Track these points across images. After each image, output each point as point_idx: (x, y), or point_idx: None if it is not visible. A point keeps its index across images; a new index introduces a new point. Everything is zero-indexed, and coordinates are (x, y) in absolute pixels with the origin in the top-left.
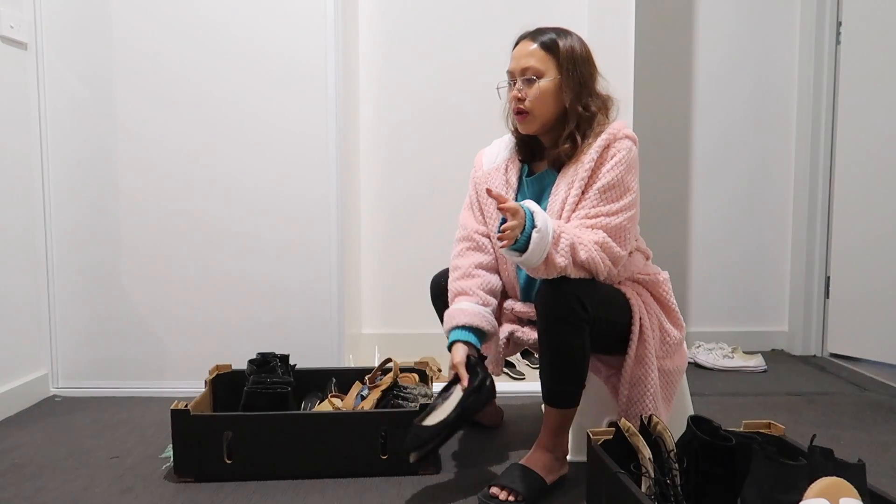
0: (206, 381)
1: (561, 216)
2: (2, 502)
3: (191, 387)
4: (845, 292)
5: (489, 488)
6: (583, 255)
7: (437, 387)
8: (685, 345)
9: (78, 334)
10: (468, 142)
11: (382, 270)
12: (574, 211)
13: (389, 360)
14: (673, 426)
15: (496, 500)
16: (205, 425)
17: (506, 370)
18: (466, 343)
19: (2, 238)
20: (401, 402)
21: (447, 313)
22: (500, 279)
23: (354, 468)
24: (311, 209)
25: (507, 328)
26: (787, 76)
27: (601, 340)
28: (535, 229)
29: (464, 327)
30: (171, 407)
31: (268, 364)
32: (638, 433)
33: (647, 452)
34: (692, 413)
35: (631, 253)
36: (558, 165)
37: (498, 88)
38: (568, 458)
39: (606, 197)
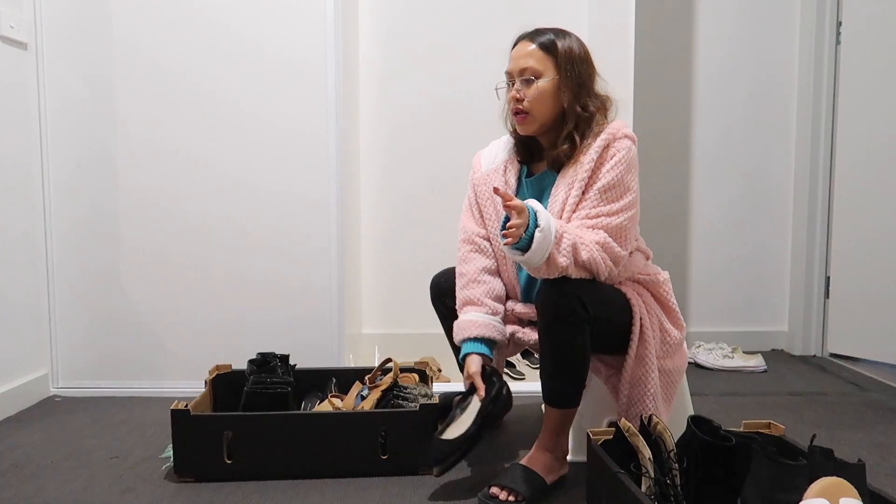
0: (206, 381)
1: (561, 217)
2: (2, 502)
3: (191, 387)
4: (845, 292)
5: (489, 488)
6: (584, 255)
7: (437, 387)
8: (685, 345)
9: (78, 334)
10: (468, 142)
11: (382, 270)
12: (574, 211)
13: (389, 360)
14: (673, 426)
15: (496, 500)
16: (205, 425)
17: (506, 370)
18: (480, 354)
19: (2, 238)
20: (401, 402)
21: (457, 324)
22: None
23: (354, 468)
24: (311, 209)
25: (507, 329)
26: (787, 76)
27: (601, 340)
28: (538, 229)
29: (476, 339)
30: (171, 407)
31: (268, 364)
32: (638, 433)
33: (647, 452)
34: (692, 413)
35: (631, 253)
36: (558, 166)
37: (497, 89)
38: (568, 458)
39: (607, 197)
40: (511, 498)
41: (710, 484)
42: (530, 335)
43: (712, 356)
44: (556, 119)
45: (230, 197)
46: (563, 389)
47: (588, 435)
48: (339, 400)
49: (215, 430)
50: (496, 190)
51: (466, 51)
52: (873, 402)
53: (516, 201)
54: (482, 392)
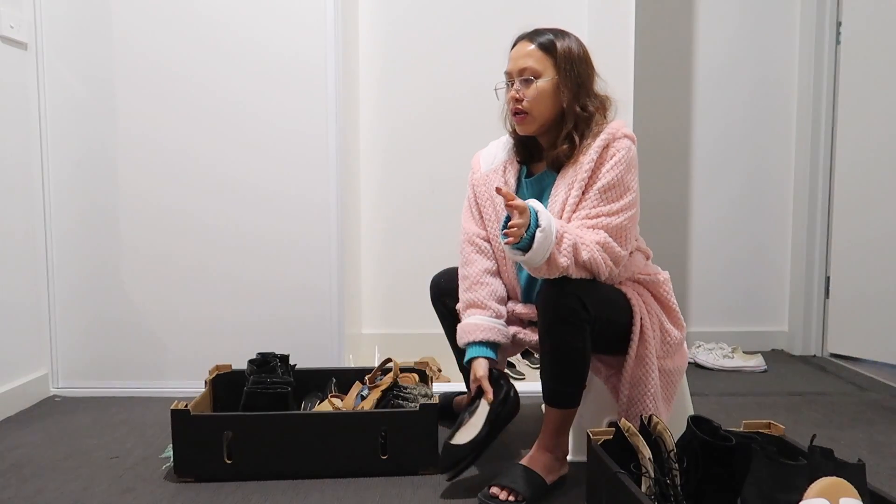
0: (206, 381)
1: (561, 217)
2: (2, 502)
3: (191, 387)
4: (845, 292)
5: (489, 488)
6: (585, 255)
7: (437, 387)
8: (685, 345)
9: (78, 334)
10: (468, 142)
11: (382, 270)
12: (574, 212)
13: (389, 360)
14: (673, 426)
15: (496, 500)
16: (205, 425)
17: (506, 370)
18: (485, 357)
19: (2, 238)
20: (401, 402)
21: (462, 327)
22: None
23: (354, 468)
24: (311, 209)
25: (509, 329)
26: (786, 76)
27: (602, 340)
28: (539, 229)
29: (482, 343)
30: (171, 407)
31: (268, 364)
32: (638, 433)
33: (647, 452)
34: (692, 413)
35: (631, 253)
36: (557, 166)
37: (496, 90)
38: (568, 458)
39: (607, 197)
40: (511, 498)
41: (710, 484)
42: (531, 336)
43: (712, 356)
44: (555, 119)
45: (230, 197)
46: (563, 389)
47: (588, 435)
48: (339, 400)
49: (215, 430)
50: (499, 190)
51: (466, 51)
52: (873, 402)
53: (518, 201)
54: (490, 396)
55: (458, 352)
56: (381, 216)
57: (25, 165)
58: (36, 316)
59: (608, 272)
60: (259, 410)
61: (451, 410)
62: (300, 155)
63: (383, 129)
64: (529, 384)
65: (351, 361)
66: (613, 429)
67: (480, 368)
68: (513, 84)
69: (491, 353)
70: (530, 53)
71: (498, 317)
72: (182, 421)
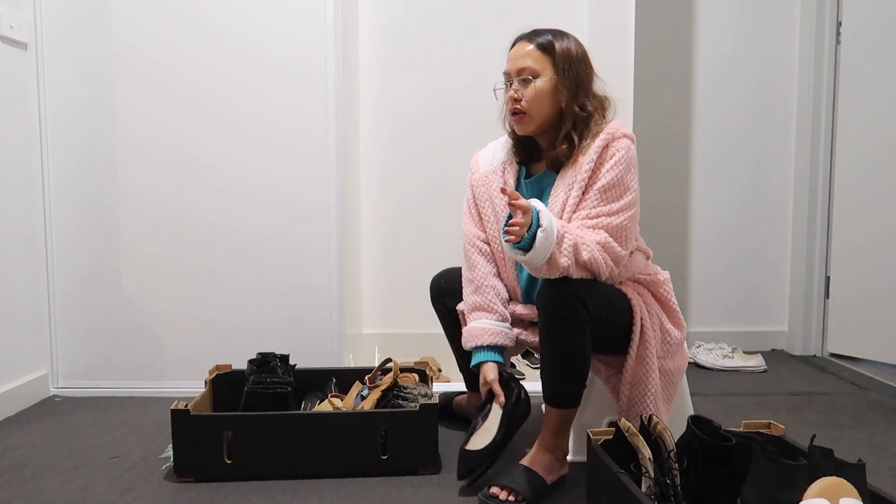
0: (206, 381)
1: (561, 217)
2: (2, 502)
3: (191, 387)
4: (845, 292)
5: (489, 488)
6: (585, 255)
7: (437, 387)
8: (685, 345)
9: (78, 334)
10: (468, 141)
11: (382, 270)
12: (574, 212)
13: (389, 360)
14: (673, 426)
15: (496, 500)
16: (205, 425)
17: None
18: (494, 361)
19: (2, 238)
20: (401, 402)
21: (468, 330)
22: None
23: (354, 468)
24: (311, 209)
25: (513, 332)
26: (786, 76)
27: (602, 341)
28: (540, 228)
29: (489, 347)
30: (171, 407)
31: (268, 364)
32: (638, 433)
33: (647, 452)
34: (692, 413)
35: (632, 253)
36: (557, 166)
37: (495, 90)
38: (568, 458)
39: (607, 197)
40: (511, 498)
41: (710, 484)
42: (531, 337)
43: (712, 356)
44: (553, 119)
45: (230, 197)
46: (563, 389)
47: (588, 435)
48: (339, 400)
49: (215, 430)
50: (503, 190)
51: (466, 51)
52: (873, 402)
53: (522, 200)
54: (502, 398)
55: (459, 352)
56: (381, 216)
57: (25, 165)
58: (36, 316)
59: (609, 272)
60: (259, 410)
61: (451, 410)
62: (300, 155)
63: (383, 129)
64: (530, 384)
65: (351, 361)
66: (613, 429)
67: (490, 372)
68: (511, 84)
69: (499, 357)
70: (529, 53)
71: (503, 320)
72: (182, 421)
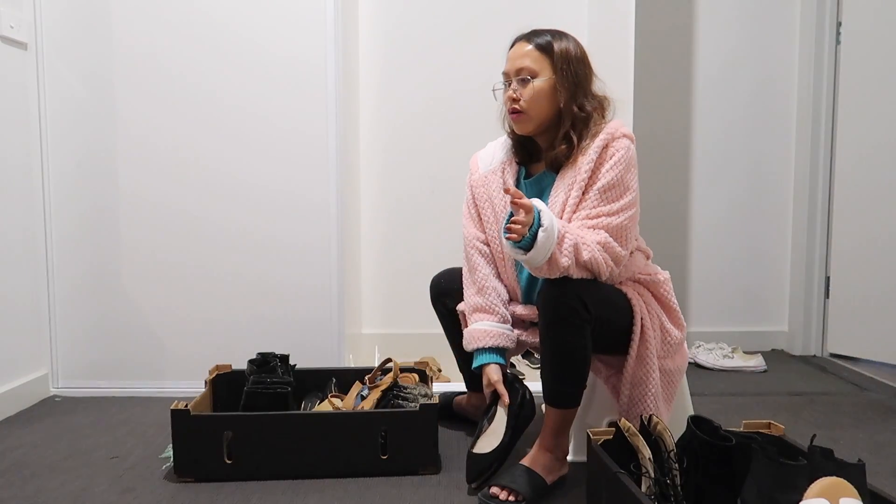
0: (206, 381)
1: (561, 218)
2: (2, 502)
3: (191, 387)
4: (845, 292)
5: (489, 488)
6: (586, 255)
7: (437, 387)
8: (686, 345)
9: (78, 334)
10: (468, 141)
11: (382, 270)
12: (574, 212)
13: (389, 360)
14: (673, 426)
15: (496, 500)
16: (205, 425)
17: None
18: (496, 363)
19: (2, 238)
20: (401, 402)
21: (469, 332)
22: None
23: (354, 468)
24: (311, 209)
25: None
26: (786, 76)
27: (602, 341)
28: (541, 228)
29: (491, 350)
30: (171, 407)
31: (268, 364)
32: (638, 433)
33: (647, 452)
34: (692, 413)
35: (632, 253)
36: (556, 167)
37: (494, 90)
38: (568, 458)
39: (607, 197)
40: (511, 498)
41: (710, 484)
42: (532, 337)
43: (712, 356)
44: (552, 119)
45: (230, 197)
46: (563, 389)
47: (588, 435)
48: (339, 400)
49: (215, 430)
50: (507, 189)
51: (466, 51)
52: (873, 402)
53: (525, 200)
54: (507, 399)
55: (459, 352)
56: (381, 216)
57: (25, 165)
58: (36, 316)
59: (609, 272)
60: (259, 410)
61: (451, 410)
62: (300, 155)
63: (383, 129)
64: (530, 384)
65: (351, 361)
66: (613, 429)
67: (494, 373)
68: (510, 84)
69: (500, 360)
70: (527, 53)
71: (504, 322)
72: (182, 421)
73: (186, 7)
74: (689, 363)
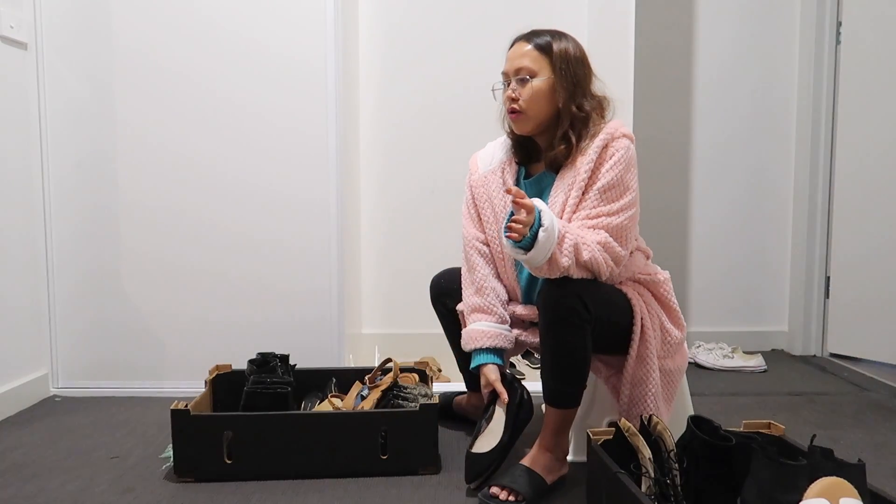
0: (206, 381)
1: (561, 218)
2: (2, 502)
3: (191, 387)
4: (845, 292)
5: (489, 488)
6: (586, 255)
7: (437, 387)
8: (686, 345)
9: (78, 334)
10: (468, 142)
11: (382, 270)
12: (574, 212)
13: (389, 360)
14: (673, 426)
15: (496, 500)
16: (205, 425)
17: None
18: (494, 363)
19: (2, 238)
20: (401, 402)
21: (467, 332)
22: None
23: (354, 468)
24: (311, 209)
25: (512, 333)
26: (787, 76)
27: (602, 340)
28: (541, 228)
29: (489, 350)
30: (171, 407)
31: (268, 364)
32: (638, 433)
33: (647, 452)
34: (692, 413)
35: (632, 253)
36: (556, 167)
37: (493, 90)
38: (568, 458)
39: (607, 197)
40: (511, 498)
41: (710, 484)
42: (531, 337)
43: (712, 356)
44: (551, 119)
45: (230, 198)
46: (563, 389)
47: (588, 435)
48: (339, 400)
49: (215, 430)
50: (509, 189)
51: (466, 51)
52: (873, 402)
53: (527, 200)
54: (505, 397)
55: (459, 352)
56: (382, 216)
57: (25, 166)
58: (36, 316)
59: (609, 272)
60: (259, 410)
61: (451, 410)
62: (300, 155)
63: (383, 130)
64: (530, 384)
65: (351, 361)
66: (613, 429)
67: (492, 373)
68: (509, 84)
69: (498, 360)
70: (526, 53)
71: (503, 322)
72: (182, 421)
73: (187, 7)
74: (689, 363)
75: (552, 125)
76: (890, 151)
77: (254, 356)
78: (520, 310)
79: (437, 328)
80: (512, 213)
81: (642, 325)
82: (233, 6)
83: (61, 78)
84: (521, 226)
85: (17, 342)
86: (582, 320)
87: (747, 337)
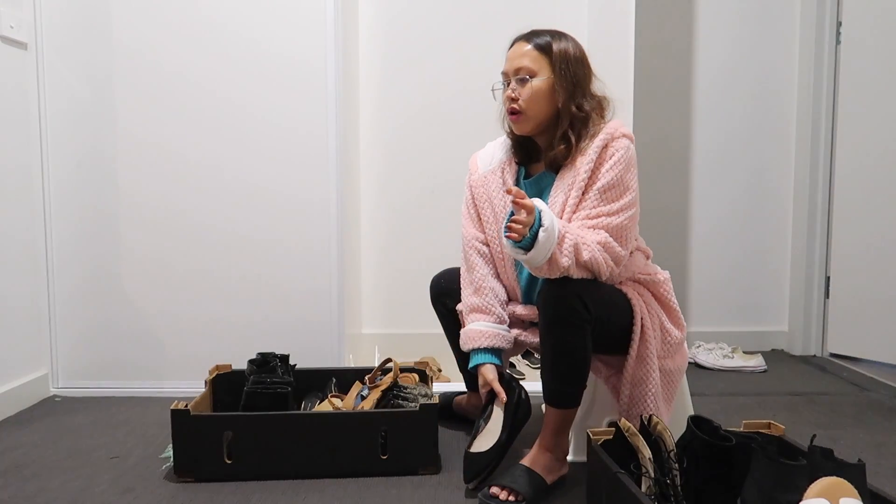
0: (206, 381)
1: (561, 218)
2: (2, 502)
3: (191, 387)
4: (845, 292)
5: (489, 488)
6: (586, 255)
7: (437, 387)
8: (686, 345)
9: (78, 334)
10: (468, 142)
11: (383, 270)
12: (574, 212)
13: (389, 360)
14: (673, 426)
15: (496, 500)
16: (205, 425)
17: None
18: (491, 363)
19: (2, 238)
20: (401, 402)
21: (465, 332)
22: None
23: (354, 468)
24: (312, 209)
25: (511, 333)
26: (787, 77)
27: (602, 340)
28: (541, 228)
29: (486, 350)
30: (171, 407)
31: (268, 364)
32: (638, 433)
33: (647, 452)
34: (692, 413)
35: (631, 252)
36: (556, 167)
37: (493, 90)
38: (568, 458)
39: (607, 197)
40: (511, 498)
41: (709, 484)
42: (531, 337)
43: (712, 356)
44: (551, 119)
45: (230, 198)
46: (563, 389)
47: (588, 435)
48: (339, 400)
49: (215, 430)
50: (509, 190)
51: (467, 51)
52: (873, 402)
53: (528, 200)
54: (504, 396)
55: (459, 352)
56: (382, 216)
57: (25, 166)
58: (36, 316)
59: (609, 272)
60: (259, 410)
61: (451, 410)
62: (300, 155)
63: (383, 129)
64: (529, 384)
65: (351, 361)
66: (613, 429)
67: (490, 373)
68: (509, 84)
69: (496, 360)
70: (526, 53)
71: (501, 322)
72: (182, 421)
73: (187, 7)
74: (689, 363)
75: (552, 125)
76: (890, 151)
77: (254, 356)
78: (520, 310)
79: (437, 328)
80: (512, 213)
81: (642, 325)
82: (233, 6)
83: (61, 78)
84: (520, 226)
85: (17, 342)
86: (582, 320)
87: (747, 337)
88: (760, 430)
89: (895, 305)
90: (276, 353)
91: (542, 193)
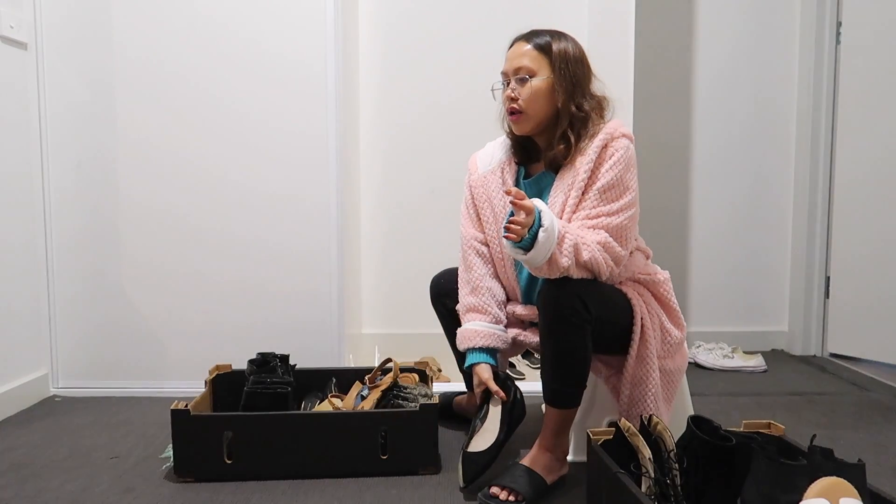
0: (206, 382)
1: (561, 218)
2: (2, 502)
3: (191, 387)
4: (845, 292)
5: (489, 488)
6: (586, 255)
7: (437, 387)
8: (686, 345)
9: (78, 334)
10: (468, 142)
11: (383, 270)
12: (574, 212)
13: (389, 360)
14: (673, 426)
15: (496, 500)
16: (205, 425)
17: (507, 370)
18: (486, 363)
19: (2, 240)
20: (401, 402)
21: (462, 332)
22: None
23: (354, 468)
24: (312, 210)
25: (509, 332)
26: (787, 77)
27: (602, 341)
28: (541, 228)
29: (482, 350)
30: (171, 407)
31: (268, 364)
32: (638, 433)
33: (647, 452)
34: (692, 413)
35: (631, 252)
36: (555, 167)
37: (493, 90)
38: (568, 458)
39: (606, 197)
40: (511, 498)
41: (710, 484)
42: (531, 337)
43: (712, 356)
44: (550, 119)
45: (230, 199)
46: (563, 389)
47: (588, 435)
48: (339, 400)
49: (215, 430)
50: (509, 191)
51: (466, 52)
52: (873, 402)
53: (527, 201)
54: (502, 395)
55: (459, 352)
56: (382, 216)
57: (26, 167)
58: (36, 316)
59: (609, 272)
60: (259, 410)
61: (451, 410)
62: (300, 156)
63: (383, 130)
64: (529, 384)
65: (351, 361)
66: (613, 429)
67: (485, 372)
68: (509, 84)
69: (491, 360)
70: (526, 53)
71: (497, 322)
72: (182, 421)
73: (187, 8)
74: (689, 363)
75: (551, 125)
76: (890, 151)
77: (254, 356)
78: (519, 310)
79: (437, 328)
80: (511, 214)
81: (642, 325)
82: (233, 7)
83: (62, 79)
84: (519, 227)
85: (17, 342)
86: (582, 320)
87: (747, 337)
88: (760, 430)
89: (895, 305)
90: (276, 353)
91: (541, 193)
